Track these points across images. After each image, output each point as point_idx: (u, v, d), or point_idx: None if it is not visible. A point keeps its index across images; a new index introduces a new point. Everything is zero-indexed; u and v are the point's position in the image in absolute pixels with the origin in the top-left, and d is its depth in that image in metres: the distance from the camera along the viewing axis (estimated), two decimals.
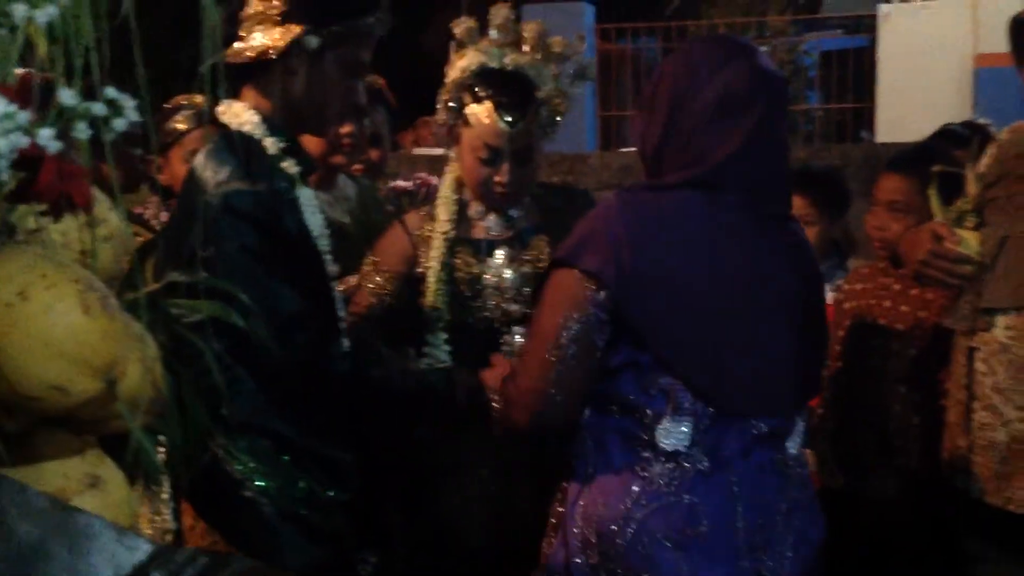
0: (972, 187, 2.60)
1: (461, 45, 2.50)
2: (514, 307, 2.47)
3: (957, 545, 2.70)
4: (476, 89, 2.43)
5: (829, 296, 3.14)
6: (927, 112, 3.29)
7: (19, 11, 0.62)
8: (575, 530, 1.89)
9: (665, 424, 1.84)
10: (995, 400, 2.46)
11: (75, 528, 0.65)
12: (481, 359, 2.27)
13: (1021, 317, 2.43)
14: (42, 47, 0.85)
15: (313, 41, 1.98)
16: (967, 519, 2.67)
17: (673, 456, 1.85)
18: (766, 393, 1.92)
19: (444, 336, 2.48)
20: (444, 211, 2.52)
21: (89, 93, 1.03)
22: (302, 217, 2.01)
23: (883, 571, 2.93)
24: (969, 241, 2.54)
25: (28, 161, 0.69)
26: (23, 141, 0.58)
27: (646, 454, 1.85)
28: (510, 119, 2.40)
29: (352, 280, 2.50)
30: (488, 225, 2.52)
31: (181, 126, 2.58)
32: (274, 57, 1.97)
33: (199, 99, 2.49)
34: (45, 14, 0.65)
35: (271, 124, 2.01)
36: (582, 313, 1.82)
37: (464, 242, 2.51)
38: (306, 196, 2.04)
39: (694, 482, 1.84)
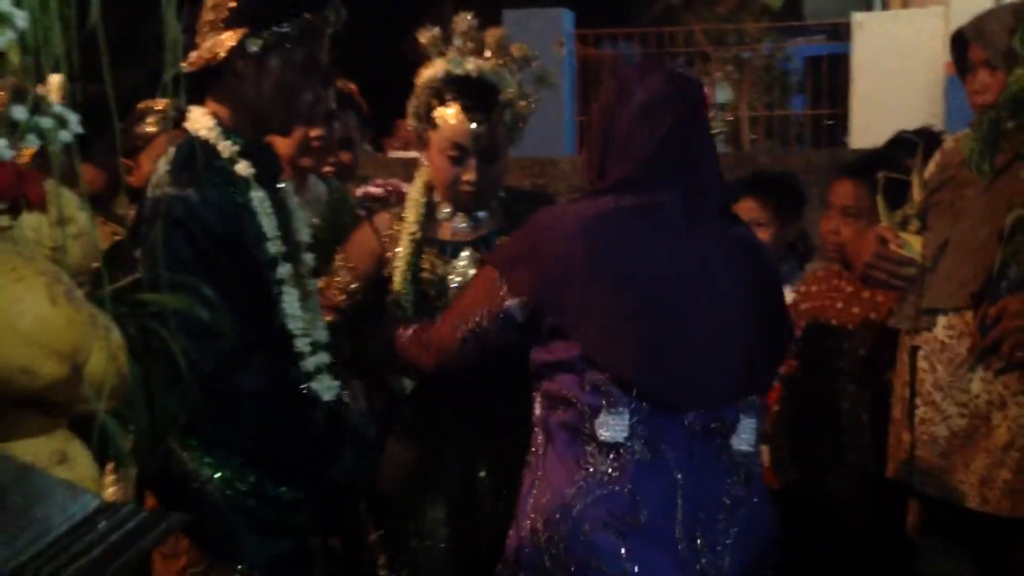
0: (917, 193, 2.72)
1: (427, 54, 2.60)
2: None
3: (907, 538, 2.82)
4: (443, 94, 2.51)
5: (788, 297, 3.27)
6: (900, 118, 3.39)
7: None
8: (526, 521, 1.98)
9: (603, 417, 1.93)
10: (935, 396, 2.57)
11: (32, 482, 0.75)
12: None
13: (961, 317, 2.54)
14: (15, 58, 0.94)
15: (255, 44, 2.02)
16: (913, 512, 2.79)
17: (613, 447, 1.92)
18: (699, 387, 1.98)
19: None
20: (412, 212, 2.59)
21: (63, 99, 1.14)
22: (246, 221, 2.04)
23: (839, 566, 3.03)
24: (912, 244, 2.66)
25: None
26: None
27: (589, 447, 1.93)
28: (476, 119, 2.48)
29: (320, 282, 2.58)
30: (455, 227, 2.59)
31: (150, 130, 2.66)
32: (222, 63, 2.02)
33: (161, 103, 2.56)
34: (14, 31, 0.75)
35: (227, 128, 2.06)
36: (493, 312, 2.02)
37: (431, 243, 2.58)
38: (258, 199, 2.07)
39: (634, 472, 1.91)
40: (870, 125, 6.47)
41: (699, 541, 1.93)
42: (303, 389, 2.12)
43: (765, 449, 3.11)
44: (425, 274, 2.57)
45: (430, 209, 2.62)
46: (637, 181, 2.01)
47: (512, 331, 2.02)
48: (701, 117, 2.12)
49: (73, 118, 0.85)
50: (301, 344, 2.13)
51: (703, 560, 1.93)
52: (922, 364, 2.61)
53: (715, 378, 2.00)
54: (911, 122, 2.96)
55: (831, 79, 9.07)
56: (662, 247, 1.99)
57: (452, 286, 2.55)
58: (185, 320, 1.72)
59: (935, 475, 2.58)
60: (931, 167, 2.73)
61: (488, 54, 2.56)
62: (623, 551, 1.89)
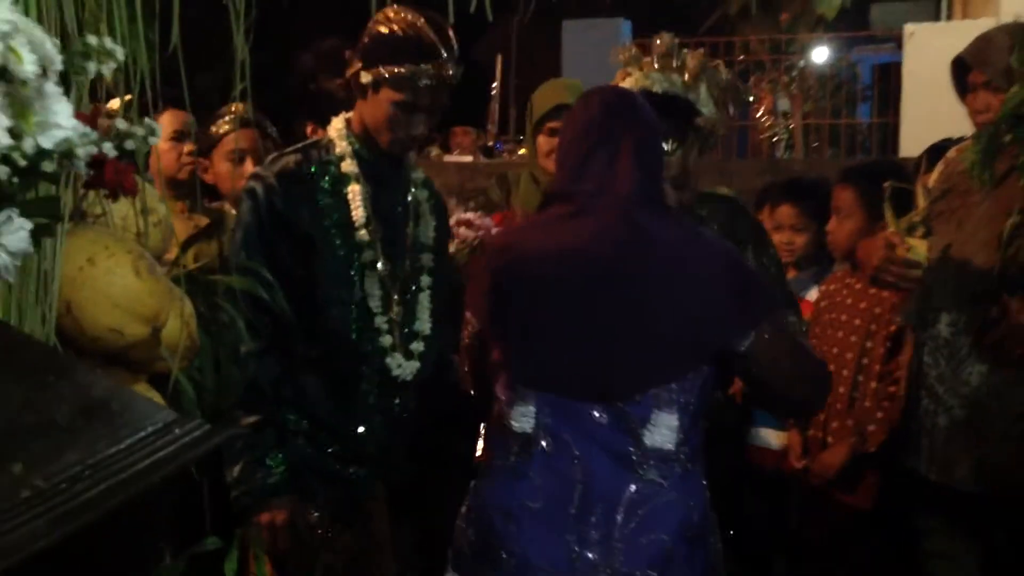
0: (921, 201, 2.92)
1: (626, 69, 2.62)
2: None
3: (910, 521, 3.01)
4: None
5: (813, 295, 3.47)
6: (948, 127, 3.54)
7: (91, 67, 0.97)
8: (464, 505, 2.14)
9: (516, 408, 2.04)
10: (938, 389, 2.76)
11: (124, 395, 1.02)
12: None
13: (962, 315, 2.73)
14: (108, 79, 1.21)
15: (366, 77, 2.33)
16: (917, 497, 2.98)
17: (523, 437, 2.03)
18: (600, 382, 2.01)
19: None
20: None
21: (145, 109, 1.41)
22: (334, 208, 2.36)
23: (850, 550, 3.22)
24: (918, 249, 2.86)
25: (96, 163, 1.05)
26: (93, 150, 0.92)
27: (508, 438, 2.06)
28: (667, 147, 2.48)
29: None
30: None
31: (223, 129, 2.94)
32: (350, 82, 2.39)
33: (238, 106, 2.84)
34: (109, 68, 1.01)
35: (354, 134, 2.42)
36: (469, 325, 2.22)
37: None
38: (354, 192, 2.38)
39: (538, 462, 2.00)
40: (920, 133, 6.58)
41: (593, 533, 1.96)
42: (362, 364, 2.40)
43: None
44: None
45: None
46: (564, 193, 2.11)
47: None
48: (646, 138, 2.13)
49: (158, 127, 1.11)
50: (380, 321, 2.39)
51: (592, 553, 1.95)
52: (926, 359, 2.79)
53: (617, 373, 2.02)
54: (959, 131, 3.11)
55: (897, 88, 9.16)
56: (580, 256, 2.04)
57: None
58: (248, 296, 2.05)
59: (937, 461, 2.77)
60: (934, 176, 2.93)
61: (687, 77, 2.55)
62: (515, 536, 1.98)
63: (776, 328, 2.06)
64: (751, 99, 2.71)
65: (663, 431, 1.99)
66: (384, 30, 2.31)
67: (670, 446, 1.99)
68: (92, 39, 0.98)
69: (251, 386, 2.24)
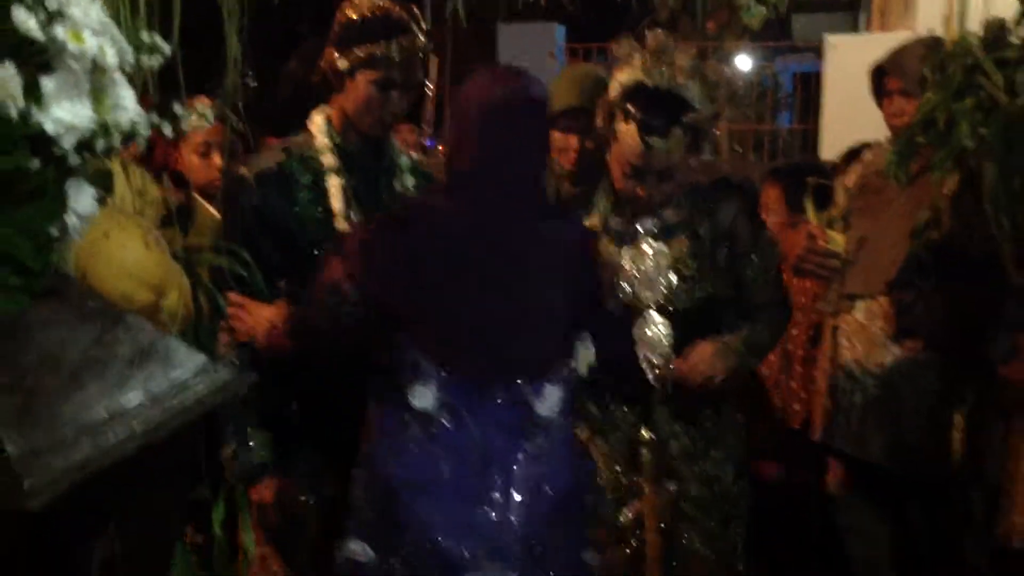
0: (840, 198, 3.17)
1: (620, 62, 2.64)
2: (647, 293, 2.60)
3: (828, 495, 3.26)
4: (628, 107, 2.52)
5: None
6: (864, 133, 3.76)
7: (144, 61, 1.14)
8: (357, 479, 2.22)
9: (416, 387, 2.11)
10: (854, 369, 3.01)
11: (167, 340, 1.19)
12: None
13: (876, 302, 2.98)
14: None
15: (343, 63, 2.41)
16: (834, 472, 3.22)
17: (423, 415, 2.11)
18: (501, 362, 2.14)
19: None
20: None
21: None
22: (297, 199, 2.45)
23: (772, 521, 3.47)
24: (837, 240, 3.10)
25: (150, 142, 1.21)
26: (149, 131, 1.09)
27: (406, 415, 2.13)
28: (652, 141, 2.51)
29: None
30: (641, 223, 2.64)
31: (194, 123, 3.04)
32: (326, 74, 2.46)
33: (206, 100, 2.95)
34: (156, 60, 1.18)
35: (335, 127, 2.49)
36: (333, 291, 2.17)
37: (609, 232, 2.67)
38: (335, 185, 2.46)
39: (440, 437, 2.11)
40: (839, 138, 6.86)
41: (495, 495, 2.10)
42: None
43: None
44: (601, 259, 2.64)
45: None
46: (462, 184, 2.18)
47: (348, 310, 2.17)
48: (532, 131, 2.20)
49: (209, 112, 1.28)
50: None
51: (495, 514, 2.09)
52: (843, 342, 3.04)
53: (515, 353, 2.15)
54: (875, 136, 3.31)
55: (818, 95, 9.48)
56: (473, 240, 2.13)
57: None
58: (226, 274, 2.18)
59: (853, 438, 3.02)
60: (852, 176, 3.18)
61: (680, 76, 2.56)
62: (423, 506, 2.09)
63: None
64: (720, 85, 2.74)
65: (551, 403, 2.16)
66: (353, 15, 2.41)
67: (555, 414, 2.17)
68: (145, 35, 1.14)
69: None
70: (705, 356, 2.56)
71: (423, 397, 2.12)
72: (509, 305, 2.15)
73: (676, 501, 2.59)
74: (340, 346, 2.29)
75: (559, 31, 8.39)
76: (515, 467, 2.13)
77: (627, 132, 2.52)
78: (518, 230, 2.18)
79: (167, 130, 1.12)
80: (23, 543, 0.92)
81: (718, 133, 2.90)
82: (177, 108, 1.25)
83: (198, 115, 2.92)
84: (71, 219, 1.07)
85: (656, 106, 2.51)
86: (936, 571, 3.07)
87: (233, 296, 2.28)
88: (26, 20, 0.95)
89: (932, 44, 2.94)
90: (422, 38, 2.44)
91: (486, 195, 2.15)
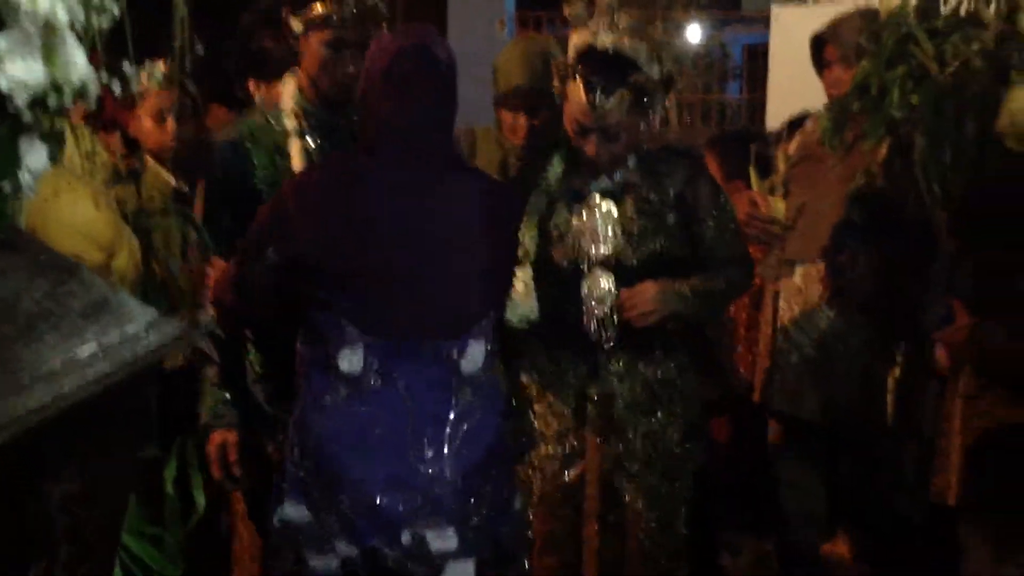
0: (781, 165, 3.25)
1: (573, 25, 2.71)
2: (594, 249, 2.67)
3: (766, 449, 3.37)
4: (577, 67, 2.61)
5: None
6: (811, 104, 3.84)
7: (94, 21, 1.17)
8: (290, 441, 2.25)
9: (344, 352, 2.14)
10: (792, 331, 3.10)
11: (120, 295, 1.23)
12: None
13: (813, 267, 3.07)
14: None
15: (297, 25, 2.46)
16: (773, 430, 3.33)
17: (351, 378, 2.15)
18: (424, 322, 2.19)
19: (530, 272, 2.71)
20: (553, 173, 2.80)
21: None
22: (258, 163, 2.47)
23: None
24: (778, 207, 3.18)
25: (100, 100, 1.24)
26: (99, 90, 1.13)
27: (332, 378, 2.16)
28: (598, 100, 2.58)
29: None
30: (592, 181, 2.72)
31: (145, 86, 3.05)
32: (287, 39, 2.50)
33: (161, 65, 2.97)
34: (107, 20, 1.21)
35: (303, 91, 2.52)
36: (256, 250, 2.20)
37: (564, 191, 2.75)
38: (296, 147, 2.49)
39: (370, 398, 2.17)
40: (785, 109, 6.94)
41: (427, 451, 2.17)
42: None
43: None
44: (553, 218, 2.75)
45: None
46: (372, 147, 2.21)
47: (266, 267, 2.20)
48: (439, 93, 2.24)
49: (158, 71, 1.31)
50: None
51: (428, 468, 2.16)
52: (782, 305, 3.13)
53: (438, 313, 2.20)
54: (820, 105, 3.38)
55: (766, 66, 9.57)
56: (387, 202, 2.18)
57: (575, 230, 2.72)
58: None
59: (789, 396, 3.12)
60: (793, 144, 3.26)
61: (625, 35, 2.64)
62: (359, 462, 2.15)
63: None
64: (675, 53, 2.80)
65: (474, 356, 2.22)
66: None
67: (477, 369, 2.23)
68: None
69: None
70: (647, 292, 2.62)
71: (350, 361, 2.16)
72: (424, 264, 2.19)
73: (620, 458, 2.67)
74: (269, 305, 2.29)
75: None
76: (445, 422, 2.19)
77: (575, 91, 2.60)
78: (428, 189, 2.22)
79: (116, 88, 1.15)
80: None
81: (668, 103, 2.95)
82: (127, 68, 1.28)
83: (148, 76, 2.94)
84: (24, 176, 1.11)
85: (603, 66, 2.59)
86: (869, 525, 3.19)
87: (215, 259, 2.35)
88: None
89: (868, 14, 3.02)
90: None
91: (394, 154, 2.19)
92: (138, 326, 1.19)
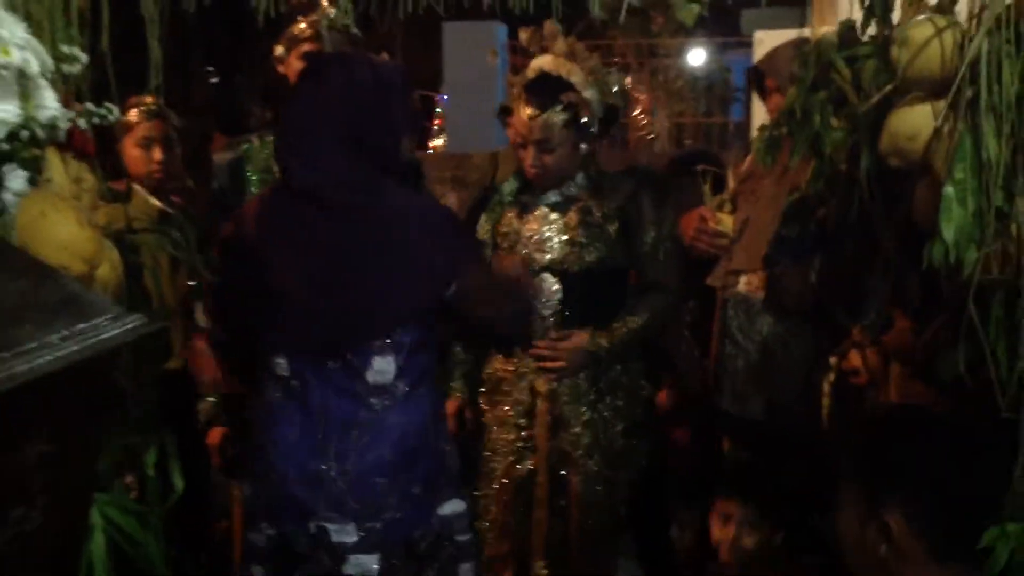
0: (731, 182, 3.50)
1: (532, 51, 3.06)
2: (539, 255, 2.98)
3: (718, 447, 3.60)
4: (520, 85, 2.95)
5: None
6: None
7: (64, 68, 1.44)
8: (247, 434, 2.58)
9: (274, 356, 2.37)
10: (738, 337, 3.34)
11: (86, 294, 1.49)
12: None
13: (756, 276, 3.31)
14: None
15: (281, 49, 2.79)
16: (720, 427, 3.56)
17: (282, 379, 2.37)
18: (325, 336, 2.34)
19: None
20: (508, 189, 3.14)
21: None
22: (254, 179, 2.84)
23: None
24: (726, 222, 3.43)
25: (69, 133, 1.50)
26: (68, 124, 1.38)
27: (271, 380, 2.41)
28: (531, 113, 2.88)
29: None
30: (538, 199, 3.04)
31: (133, 119, 3.34)
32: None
33: (149, 99, 3.26)
34: (75, 68, 1.47)
35: None
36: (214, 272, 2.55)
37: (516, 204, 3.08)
38: None
39: (292, 399, 2.37)
40: None
41: (333, 452, 2.34)
42: None
43: None
44: (504, 228, 3.06)
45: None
46: (286, 182, 2.37)
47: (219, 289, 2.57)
48: (374, 101, 2.34)
49: (112, 112, 1.58)
50: None
51: (333, 470, 2.33)
52: (730, 313, 3.37)
53: (341, 334, 2.36)
54: None
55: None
56: (294, 237, 2.33)
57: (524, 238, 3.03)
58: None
59: (736, 399, 3.36)
60: (744, 164, 3.51)
61: (559, 59, 2.95)
62: (280, 459, 2.36)
63: (474, 281, 2.41)
64: (618, 87, 3.08)
65: (381, 371, 2.35)
66: (287, 6, 2.66)
67: (388, 380, 2.35)
68: (64, 48, 1.44)
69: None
70: (564, 351, 2.95)
71: (279, 366, 2.37)
72: (330, 284, 2.32)
73: (565, 448, 2.93)
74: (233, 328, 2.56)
75: (501, 30, 8.68)
76: (350, 428, 2.34)
77: (516, 106, 2.92)
78: (332, 212, 2.32)
79: (82, 123, 1.42)
80: None
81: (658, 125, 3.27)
82: (108, 106, 1.55)
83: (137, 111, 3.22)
84: (6, 195, 1.37)
85: (543, 86, 2.90)
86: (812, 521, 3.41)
87: None
88: None
89: (799, 44, 3.27)
90: (339, 14, 2.73)
91: (294, 178, 2.33)
92: (102, 318, 1.45)
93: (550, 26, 3.01)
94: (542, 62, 2.97)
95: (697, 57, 11.59)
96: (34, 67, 1.31)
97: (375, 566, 2.34)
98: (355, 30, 2.87)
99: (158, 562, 1.96)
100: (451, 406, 3.13)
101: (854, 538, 1.68)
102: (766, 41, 8.29)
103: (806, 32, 3.06)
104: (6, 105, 1.27)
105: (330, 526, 2.33)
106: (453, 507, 2.47)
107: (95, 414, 1.52)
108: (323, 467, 2.34)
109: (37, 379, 1.28)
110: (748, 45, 12.80)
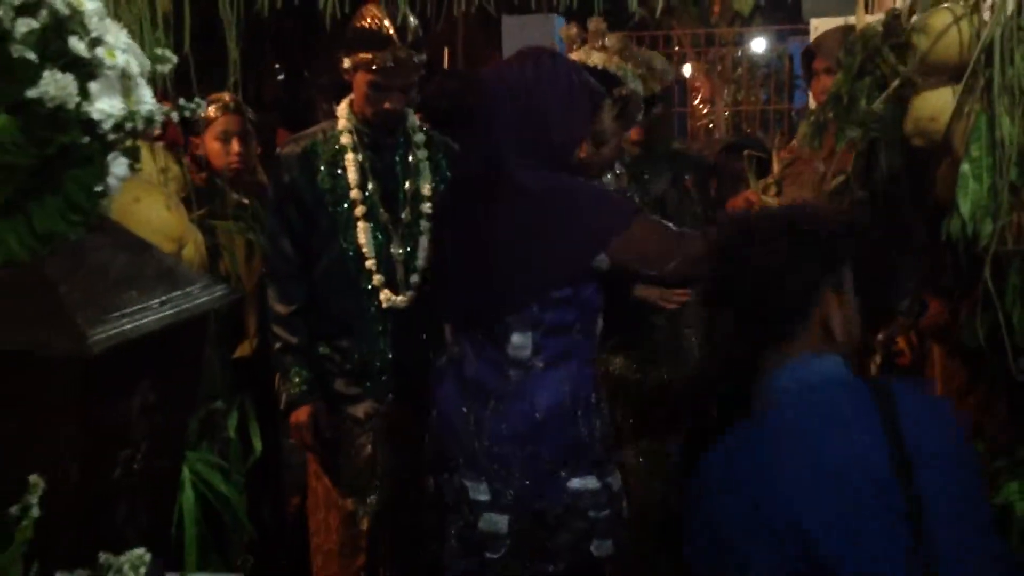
0: (776, 167, 3.63)
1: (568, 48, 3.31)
2: None
3: None
4: None
5: None
6: None
7: (158, 68, 1.64)
8: None
9: (447, 328, 2.73)
10: None
11: (180, 266, 1.69)
12: None
13: None
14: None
15: (348, 64, 2.97)
16: None
17: (452, 347, 2.64)
18: (472, 309, 2.58)
19: None
20: None
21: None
22: (321, 171, 3.00)
23: None
24: (770, 204, 3.56)
25: (164, 125, 1.70)
26: (162, 117, 1.59)
27: (446, 349, 2.71)
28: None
29: None
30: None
31: (213, 114, 3.58)
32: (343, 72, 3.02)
33: (227, 95, 3.49)
34: (167, 67, 1.67)
35: (353, 111, 3.04)
36: None
37: None
38: (350, 159, 3.01)
39: (454, 361, 2.62)
40: None
41: (474, 416, 2.54)
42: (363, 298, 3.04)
43: None
44: None
45: None
46: (479, 152, 2.55)
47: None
48: (550, 95, 2.50)
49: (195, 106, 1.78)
50: (370, 264, 3.01)
51: (472, 430, 2.53)
52: None
53: (481, 308, 2.56)
54: None
55: None
56: (462, 219, 2.56)
57: None
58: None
59: None
60: (791, 147, 3.64)
61: (611, 54, 3.14)
62: (441, 413, 2.60)
63: (628, 243, 2.49)
64: (670, 77, 3.25)
65: (519, 346, 2.52)
66: (357, 25, 2.93)
67: (525, 356, 2.52)
68: (158, 50, 1.65)
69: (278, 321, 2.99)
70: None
71: (448, 333, 2.66)
72: (477, 260, 2.52)
73: None
74: None
75: (559, 22, 8.82)
76: (491, 397, 2.52)
77: None
78: (491, 194, 2.48)
79: (174, 117, 1.62)
80: (88, 385, 1.43)
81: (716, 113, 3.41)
82: (197, 100, 1.75)
83: (216, 106, 3.45)
84: (111, 179, 1.57)
85: (598, 80, 2.91)
86: None
87: None
88: (78, 45, 1.45)
89: (848, 29, 3.39)
90: (409, 52, 2.92)
91: (464, 163, 2.61)
92: (193, 287, 1.66)
93: (596, 23, 3.18)
94: (595, 58, 3.11)
95: (757, 45, 11.64)
96: (134, 68, 1.51)
97: (504, 527, 2.52)
98: (416, 57, 3.04)
99: (240, 513, 2.17)
100: None
101: None
102: (821, 28, 8.39)
103: (865, 18, 3.16)
104: (112, 101, 1.46)
105: (468, 483, 2.52)
106: (585, 483, 2.58)
107: (188, 371, 1.72)
108: (467, 428, 2.53)
109: (140, 337, 1.48)
110: (807, 32, 12.88)
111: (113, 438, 1.53)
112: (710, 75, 10.09)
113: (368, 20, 2.93)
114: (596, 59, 3.12)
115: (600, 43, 3.15)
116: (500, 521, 2.53)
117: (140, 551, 1.40)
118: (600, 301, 2.63)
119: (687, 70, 10.23)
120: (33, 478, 1.32)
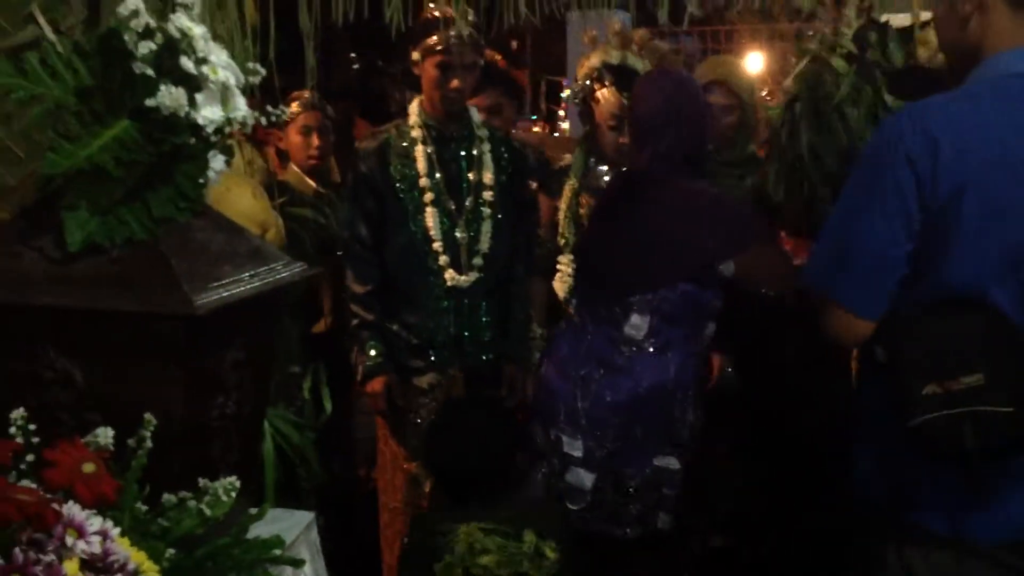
0: None
1: (590, 48, 3.68)
2: None
3: None
4: (603, 78, 3.54)
5: None
6: None
7: (249, 79, 1.95)
8: None
9: (574, 297, 3.09)
10: None
11: (265, 246, 2.01)
12: None
13: None
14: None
15: (417, 55, 3.29)
16: None
17: (573, 313, 3.03)
18: (600, 285, 2.95)
19: (570, 256, 3.63)
20: (575, 168, 3.72)
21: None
22: (403, 164, 3.33)
23: None
24: None
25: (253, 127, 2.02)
26: (253, 120, 1.91)
27: (569, 315, 3.14)
28: (624, 96, 3.43)
29: None
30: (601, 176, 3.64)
31: (295, 109, 3.90)
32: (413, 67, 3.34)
33: (307, 93, 3.82)
34: (257, 78, 1.99)
35: (423, 108, 3.38)
36: None
37: (588, 189, 3.67)
38: (419, 151, 3.33)
39: (570, 328, 3.02)
40: None
41: (581, 378, 2.88)
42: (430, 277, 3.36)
43: None
44: (583, 211, 3.64)
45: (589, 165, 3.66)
46: (636, 154, 2.98)
47: None
48: (688, 107, 2.93)
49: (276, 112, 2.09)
50: (437, 246, 3.34)
51: (578, 390, 2.87)
52: None
53: (610, 283, 2.96)
54: None
55: None
56: (610, 198, 3.02)
57: None
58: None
59: None
60: None
61: (634, 49, 3.57)
62: (550, 373, 2.96)
63: (751, 260, 2.83)
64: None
65: (635, 326, 2.84)
66: (421, 19, 3.25)
67: (639, 337, 2.84)
68: (250, 65, 1.96)
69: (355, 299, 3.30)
70: None
71: (574, 304, 3.02)
72: (614, 245, 2.89)
73: None
74: None
75: (625, 18, 9.04)
76: (601, 366, 2.84)
77: (606, 93, 3.44)
78: (636, 193, 2.86)
79: (263, 120, 1.93)
80: (192, 341, 1.75)
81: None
82: (270, 108, 2.07)
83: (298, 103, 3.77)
84: (211, 173, 1.89)
85: (623, 74, 3.47)
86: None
87: None
88: (187, 63, 1.78)
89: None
90: (472, 30, 3.25)
91: (632, 163, 2.98)
92: (277, 264, 1.98)
93: (618, 22, 3.61)
94: (613, 56, 3.52)
95: None
96: (232, 81, 1.83)
97: (589, 484, 2.80)
98: (478, 38, 3.34)
99: (314, 464, 2.49)
100: None
101: None
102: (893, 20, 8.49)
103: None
104: (214, 109, 1.78)
105: (564, 437, 2.82)
106: (667, 462, 2.88)
107: (271, 334, 2.05)
108: (573, 389, 2.83)
109: (232, 304, 1.80)
110: None
111: (210, 386, 1.85)
112: (771, 70, 10.23)
113: (429, 11, 3.25)
114: (619, 57, 3.51)
115: (620, 41, 3.48)
116: (587, 478, 2.82)
117: (232, 479, 1.72)
118: (717, 305, 2.92)
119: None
120: (147, 416, 1.65)
